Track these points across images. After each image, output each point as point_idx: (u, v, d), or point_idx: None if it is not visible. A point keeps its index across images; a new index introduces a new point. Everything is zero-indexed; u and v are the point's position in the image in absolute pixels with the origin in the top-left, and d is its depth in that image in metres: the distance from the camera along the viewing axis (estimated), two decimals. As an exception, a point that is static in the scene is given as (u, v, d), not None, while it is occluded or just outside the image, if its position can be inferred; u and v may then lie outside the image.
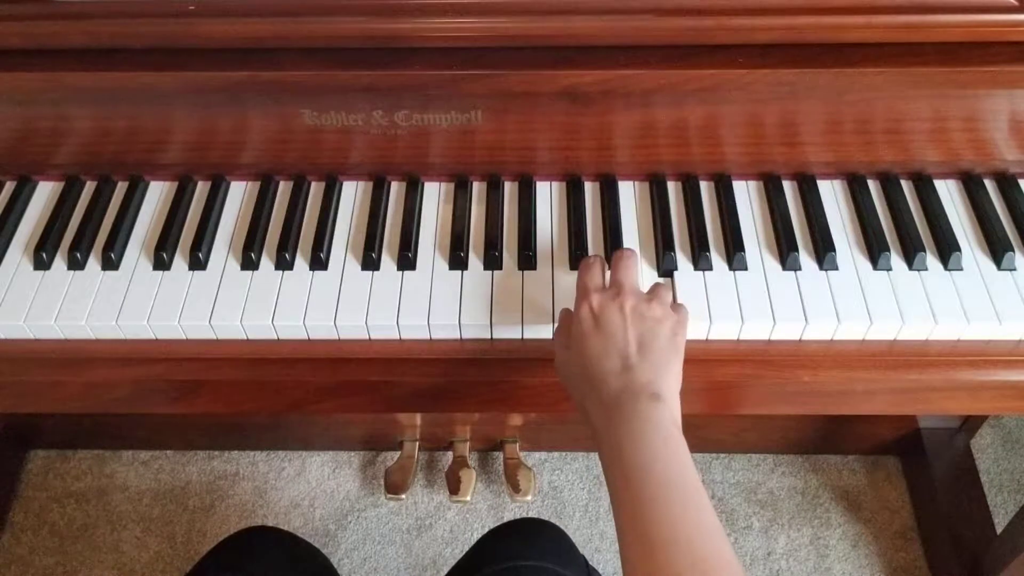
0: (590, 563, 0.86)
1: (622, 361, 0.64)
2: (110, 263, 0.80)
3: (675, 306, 0.71)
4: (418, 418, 1.36)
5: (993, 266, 0.79)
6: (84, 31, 0.75)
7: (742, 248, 0.79)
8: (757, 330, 0.76)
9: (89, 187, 0.86)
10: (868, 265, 0.79)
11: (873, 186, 0.84)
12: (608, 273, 0.73)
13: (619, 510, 0.59)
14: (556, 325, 0.73)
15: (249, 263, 0.80)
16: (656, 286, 0.72)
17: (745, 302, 0.76)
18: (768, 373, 0.76)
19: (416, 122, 0.79)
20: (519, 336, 0.76)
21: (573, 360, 0.67)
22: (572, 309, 0.70)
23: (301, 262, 0.80)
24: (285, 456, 1.49)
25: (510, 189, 0.85)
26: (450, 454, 1.39)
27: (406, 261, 0.79)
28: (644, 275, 0.78)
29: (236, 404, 0.79)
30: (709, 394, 0.78)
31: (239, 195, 0.85)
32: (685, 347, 0.68)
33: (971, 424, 1.41)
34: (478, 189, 0.85)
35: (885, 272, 0.78)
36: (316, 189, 0.85)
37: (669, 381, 0.64)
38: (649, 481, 0.58)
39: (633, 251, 0.75)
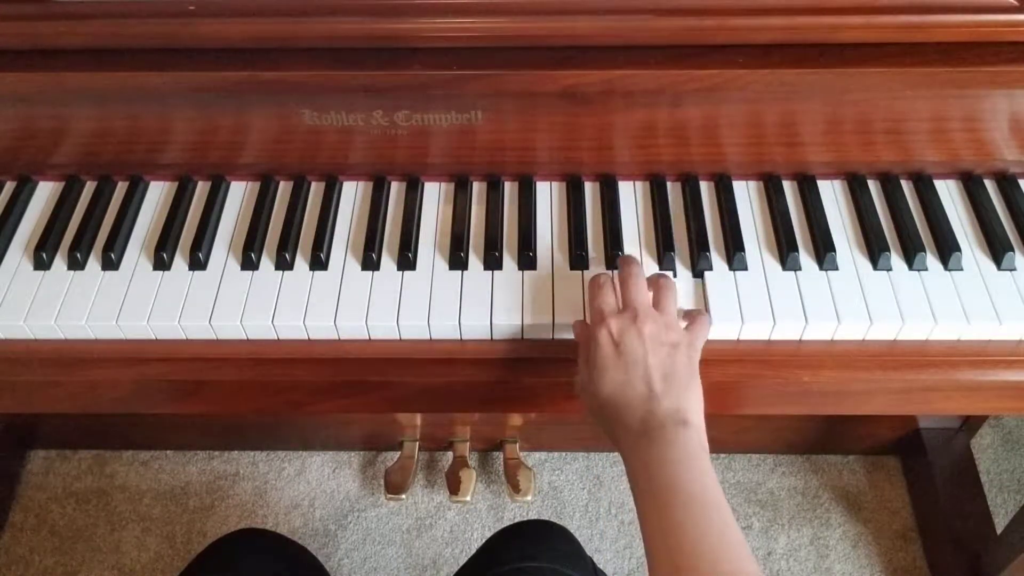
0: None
1: (647, 389, 0.65)
2: (110, 263, 0.80)
3: (693, 314, 0.72)
4: (418, 418, 1.36)
5: (993, 266, 0.79)
6: (84, 31, 0.75)
7: (742, 248, 0.79)
8: (757, 330, 0.76)
9: (89, 187, 0.86)
10: (868, 265, 0.79)
11: (873, 186, 0.84)
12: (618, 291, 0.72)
13: (647, 528, 0.61)
14: (579, 350, 0.71)
15: (249, 263, 0.80)
16: (660, 293, 0.71)
17: (745, 302, 0.76)
18: (768, 373, 0.76)
19: (416, 122, 0.79)
20: (519, 336, 0.76)
21: (595, 387, 0.67)
22: (586, 322, 0.71)
23: (301, 262, 0.80)
24: (285, 456, 1.49)
25: (510, 189, 0.85)
26: (450, 454, 1.39)
27: (406, 261, 0.79)
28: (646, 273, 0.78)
29: (236, 404, 0.79)
30: (709, 394, 0.77)
31: (239, 195, 0.85)
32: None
33: (971, 424, 1.41)
34: (478, 189, 0.85)
35: (885, 272, 0.78)
36: (316, 189, 0.85)
37: (692, 404, 0.65)
38: (676, 499, 0.59)
39: (638, 262, 0.73)
